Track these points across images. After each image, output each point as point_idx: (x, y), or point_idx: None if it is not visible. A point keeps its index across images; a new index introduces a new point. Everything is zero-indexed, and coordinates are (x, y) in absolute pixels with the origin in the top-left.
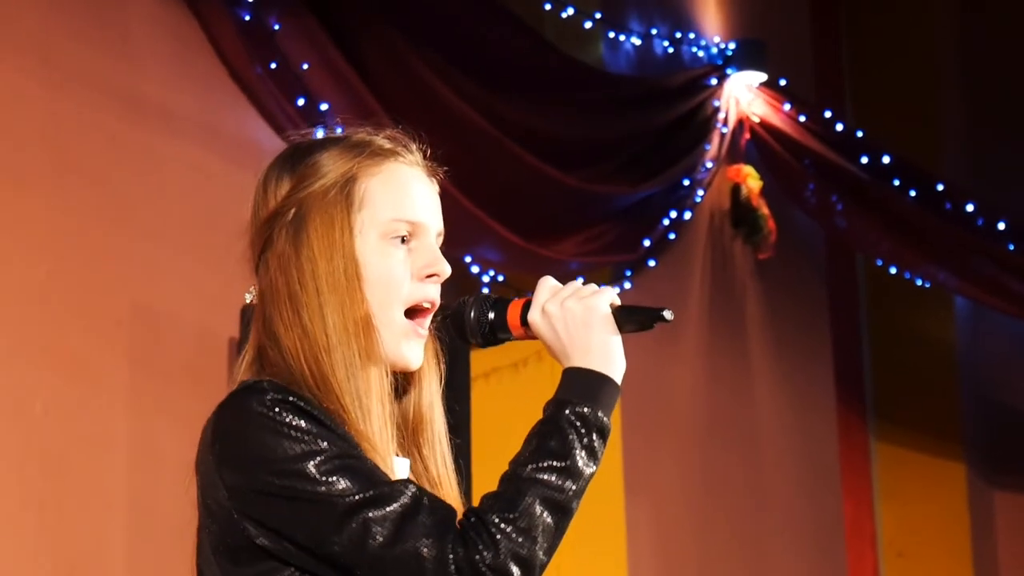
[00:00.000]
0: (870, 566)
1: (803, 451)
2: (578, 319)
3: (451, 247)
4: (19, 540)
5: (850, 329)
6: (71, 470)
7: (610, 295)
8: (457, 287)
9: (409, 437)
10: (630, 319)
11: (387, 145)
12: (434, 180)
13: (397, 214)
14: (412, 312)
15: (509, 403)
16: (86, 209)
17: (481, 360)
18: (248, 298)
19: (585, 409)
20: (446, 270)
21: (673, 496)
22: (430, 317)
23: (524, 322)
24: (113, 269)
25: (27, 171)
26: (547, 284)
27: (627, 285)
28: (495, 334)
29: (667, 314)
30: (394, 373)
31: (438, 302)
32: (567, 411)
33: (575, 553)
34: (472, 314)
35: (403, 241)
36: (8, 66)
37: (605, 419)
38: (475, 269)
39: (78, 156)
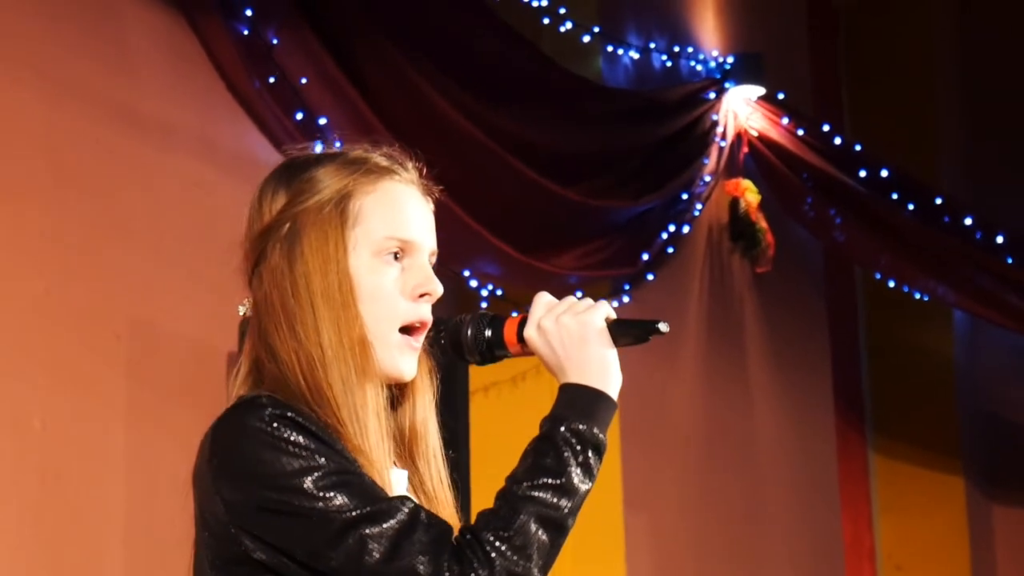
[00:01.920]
0: None
1: (802, 465)
2: (573, 334)
3: (450, 261)
4: (17, 554)
5: (849, 343)
6: (69, 484)
7: (605, 309)
8: (456, 301)
9: (406, 453)
10: (625, 333)
11: (383, 163)
12: (429, 199)
13: (391, 232)
14: (405, 330)
15: (508, 417)
16: (84, 223)
17: (480, 374)
18: (241, 311)
19: (581, 426)
20: (438, 290)
21: (671, 510)
22: (424, 334)
23: (521, 339)
24: (111, 283)
25: (25, 185)
26: (543, 300)
27: (626, 299)
28: (492, 351)
29: (662, 326)
30: (389, 387)
31: (430, 321)
32: (563, 428)
33: (574, 567)
34: (469, 332)
35: (396, 259)
36: (6, 79)
37: (601, 435)
38: (474, 283)
39: (76, 170)
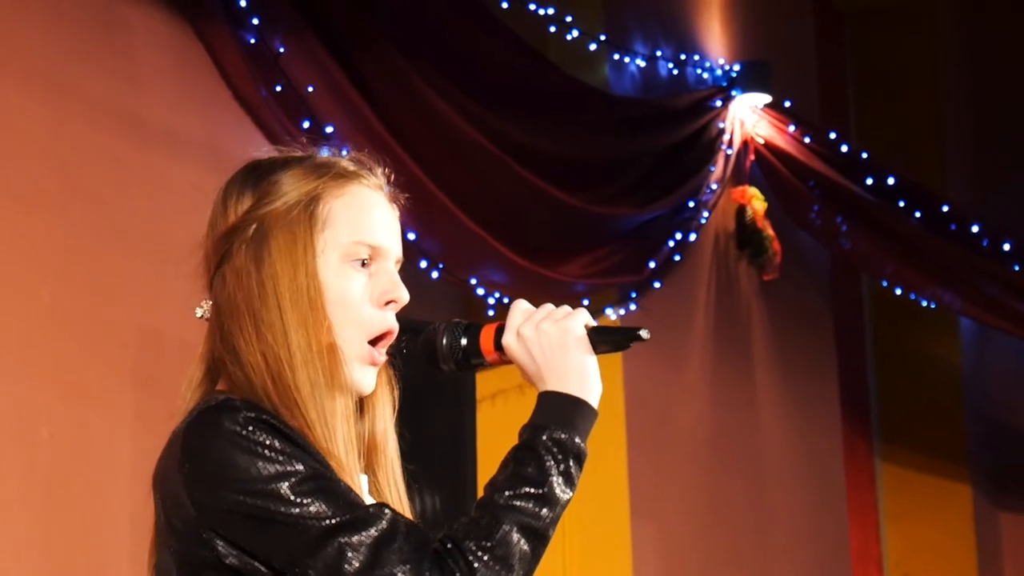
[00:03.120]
0: None
1: (808, 473)
2: (553, 342)
3: (456, 269)
4: (25, 564)
5: (855, 350)
6: (77, 494)
7: (583, 316)
8: (463, 309)
9: (365, 462)
10: (605, 339)
11: (351, 167)
12: (396, 206)
13: (359, 237)
14: (373, 341)
15: (514, 425)
16: (90, 232)
17: (487, 382)
18: (199, 312)
19: (562, 435)
20: (405, 297)
21: (678, 518)
22: (388, 343)
23: (498, 347)
24: (117, 292)
25: (31, 194)
26: (520, 307)
27: (632, 307)
28: (468, 360)
29: (643, 333)
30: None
31: (396, 329)
32: (544, 436)
33: (581, 574)
34: (444, 341)
35: (363, 265)
36: (12, 89)
37: (582, 444)
38: (480, 291)
39: (82, 178)
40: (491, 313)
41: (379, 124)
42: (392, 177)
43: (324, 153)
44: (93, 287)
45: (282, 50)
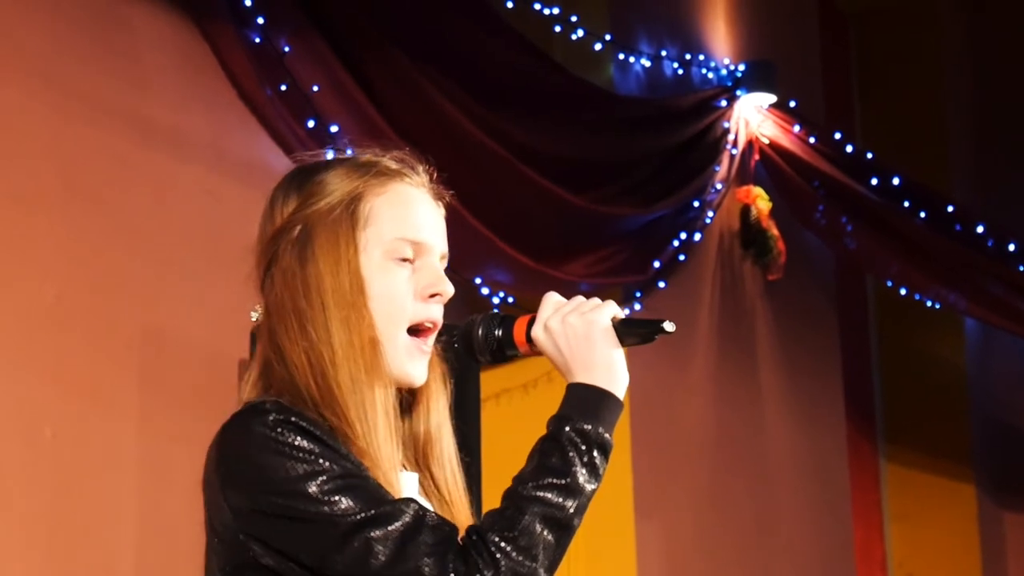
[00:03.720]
0: None
1: (813, 473)
2: (579, 334)
3: (461, 269)
4: (29, 563)
5: (860, 350)
6: (81, 494)
7: (612, 309)
8: (468, 309)
9: (420, 457)
10: (631, 332)
11: (394, 165)
12: (440, 203)
13: (401, 233)
14: (415, 331)
15: (519, 424)
16: (95, 232)
17: (491, 381)
18: (254, 316)
19: (586, 426)
20: (449, 290)
21: (683, 517)
22: (434, 336)
23: (529, 338)
24: (122, 292)
25: (36, 194)
26: (551, 300)
27: (637, 307)
28: (503, 351)
29: (668, 326)
30: (400, 391)
31: (440, 322)
32: (568, 428)
33: (587, 573)
34: (480, 332)
35: (407, 260)
36: (17, 89)
37: (607, 435)
38: (485, 291)
39: (87, 179)
40: (495, 310)
41: (384, 123)
42: (435, 175)
43: (368, 154)
44: (96, 286)
45: (287, 49)
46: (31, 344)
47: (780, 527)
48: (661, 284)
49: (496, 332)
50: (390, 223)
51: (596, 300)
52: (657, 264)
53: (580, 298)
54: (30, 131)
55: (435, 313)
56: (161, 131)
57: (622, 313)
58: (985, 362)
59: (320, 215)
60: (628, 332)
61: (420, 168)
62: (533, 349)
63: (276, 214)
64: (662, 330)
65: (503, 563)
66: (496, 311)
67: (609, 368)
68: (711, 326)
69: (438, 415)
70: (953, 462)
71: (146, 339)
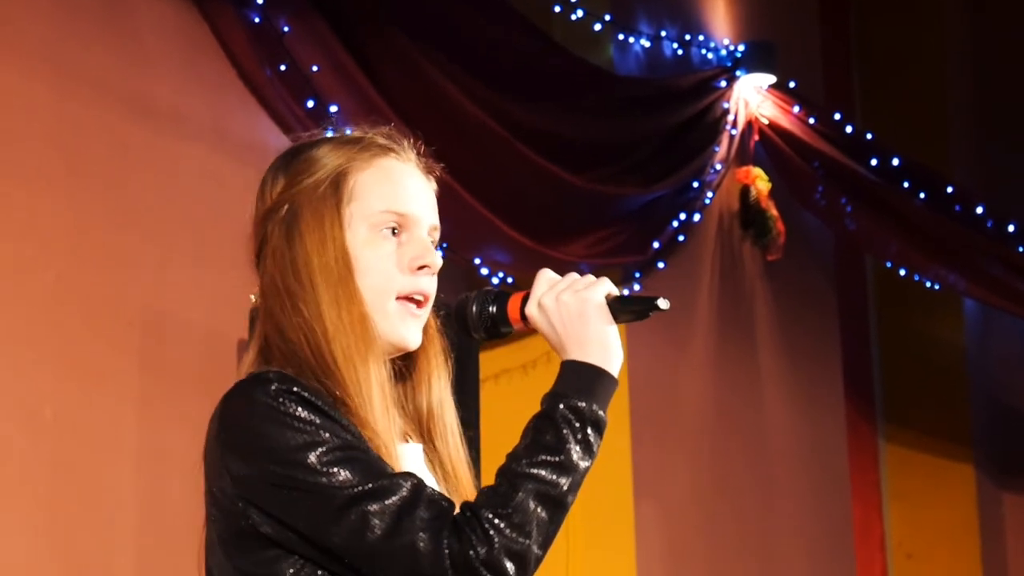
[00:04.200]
0: (879, 568)
1: (812, 453)
2: (573, 311)
3: (460, 249)
4: (29, 544)
5: (859, 331)
6: (81, 474)
7: (606, 286)
8: (466, 288)
9: (424, 432)
10: (625, 309)
11: (381, 141)
12: (431, 177)
13: (386, 206)
14: (402, 300)
15: (518, 404)
16: (96, 212)
17: (490, 362)
18: (253, 298)
19: (580, 403)
20: (437, 261)
21: (682, 498)
22: (428, 307)
23: (523, 315)
24: (123, 272)
25: (37, 174)
26: (544, 277)
27: (636, 287)
28: (496, 327)
29: (662, 303)
30: (401, 364)
31: (432, 294)
32: (562, 405)
33: (585, 553)
34: (475, 308)
35: (394, 233)
36: (18, 70)
37: (600, 412)
38: (484, 271)
39: (88, 159)
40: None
41: (383, 104)
42: (423, 149)
43: (356, 131)
44: (98, 267)
45: (287, 30)
46: (32, 325)
47: (779, 507)
48: (660, 265)
49: (490, 309)
50: (376, 197)
51: (590, 277)
52: (656, 245)
53: (574, 275)
54: (31, 112)
55: (424, 285)
56: (162, 112)
57: (616, 291)
58: (984, 342)
59: (306, 193)
60: (622, 309)
61: (408, 143)
62: (527, 326)
63: (267, 194)
64: (656, 307)
65: (496, 540)
66: (491, 288)
67: (603, 345)
68: (710, 307)
69: (439, 391)
70: (952, 442)
71: (146, 320)
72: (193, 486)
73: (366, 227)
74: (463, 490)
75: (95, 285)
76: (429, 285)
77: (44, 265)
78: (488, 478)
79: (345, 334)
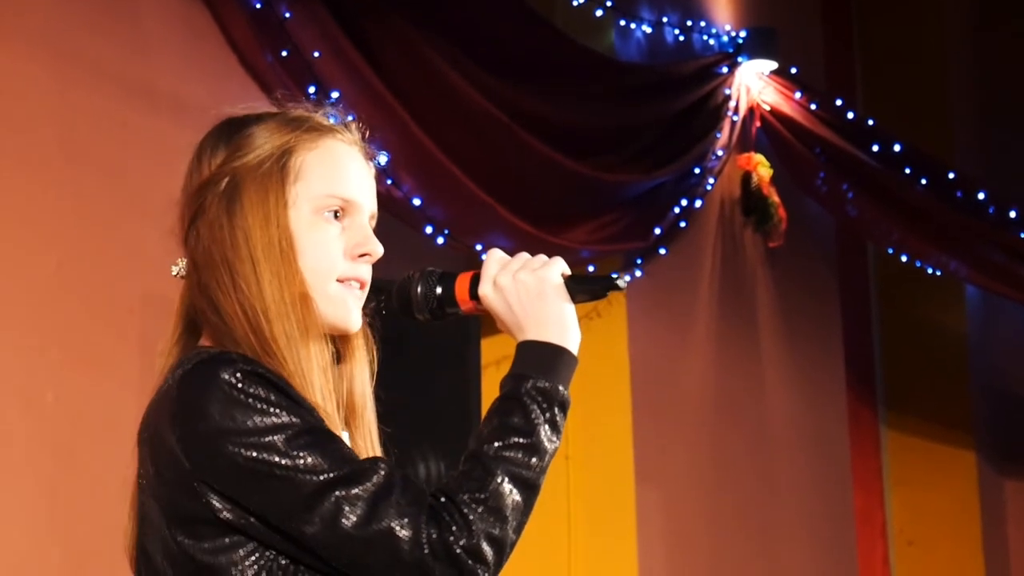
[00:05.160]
0: (880, 554)
1: (813, 439)
2: (531, 291)
3: (462, 235)
4: (30, 529)
5: (861, 317)
6: (82, 459)
7: (560, 265)
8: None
9: (344, 423)
10: (582, 288)
11: (325, 122)
12: (371, 163)
13: (331, 189)
14: (346, 282)
15: None
16: (97, 198)
17: (492, 348)
18: (175, 271)
19: (545, 383)
20: (378, 250)
21: (683, 484)
22: (364, 293)
23: (474, 296)
24: (124, 258)
25: (38, 161)
26: (495, 256)
27: (638, 273)
28: (443, 309)
29: (620, 282)
30: (333, 349)
31: (368, 282)
32: (528, 385)
33: (587, 540)
34: (419, 289)
35: (336, 217)
36: (19, 56)
37: (565, 392)
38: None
39: (89, 145)
40: (430, 267)
41: (385, 90)
42: (367, 133)
43: (299, 109)
44: (99, 253)
45: (288, 15)
46: (34, 310)
47: (781, 492)
48: (662, 251)
49: (436, 290)
50: (320, 179)
51: (543, 257)
52: (658, 231)
53: (525, 255)
54: (32, 97)
55: (363, 273)
56: (163, 97)
57: (569, 270)
58: (986, 329)
59: (249, 168)
60: (579, 288)
61: (352, 126)
62: (478, 307)
63: (204, 166)
64: (615, 286)
65: (475, 525)
66: (433, 268)
67: (562, 324)
68: (712, 293)
69: (362, 384)
70: (954, 428)
71: (147, 304)
72: None
73: (310, 208)
74: None
75: (96, 271)
76: (367, 272)
77: (45, 251)
78: None
79: (287, 314)
